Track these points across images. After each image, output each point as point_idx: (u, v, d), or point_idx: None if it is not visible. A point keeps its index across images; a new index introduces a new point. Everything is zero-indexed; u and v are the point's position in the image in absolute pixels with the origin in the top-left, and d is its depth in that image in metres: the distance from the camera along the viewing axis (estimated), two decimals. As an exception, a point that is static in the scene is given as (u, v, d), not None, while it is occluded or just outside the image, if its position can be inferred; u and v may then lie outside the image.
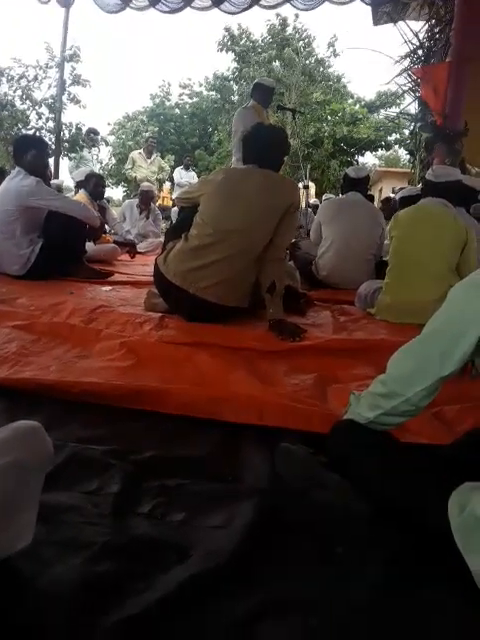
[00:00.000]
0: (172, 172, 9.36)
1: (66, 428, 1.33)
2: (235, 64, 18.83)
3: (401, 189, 4.66)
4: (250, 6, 5.84)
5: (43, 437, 0.83)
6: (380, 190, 15.96)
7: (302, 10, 5.84)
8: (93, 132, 8.12)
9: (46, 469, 0.84)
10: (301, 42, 18.84)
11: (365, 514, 1.01)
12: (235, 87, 19.46)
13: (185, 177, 8.84)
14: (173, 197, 8.49)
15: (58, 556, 0.85)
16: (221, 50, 18.38)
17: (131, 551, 0.89)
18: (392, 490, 1.00)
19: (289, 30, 18.72)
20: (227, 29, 18.19)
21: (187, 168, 9.19)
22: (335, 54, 18.64)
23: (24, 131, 8.20)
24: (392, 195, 5.10)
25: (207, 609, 0.78)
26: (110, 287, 3.19)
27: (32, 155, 3.17)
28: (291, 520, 1.01)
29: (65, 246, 3.18)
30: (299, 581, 0.86)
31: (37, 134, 7.93)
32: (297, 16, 18.25)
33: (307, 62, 18.71)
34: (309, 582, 0.85)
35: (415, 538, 0.94)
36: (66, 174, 8.05)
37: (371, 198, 5.75)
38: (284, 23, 18.48)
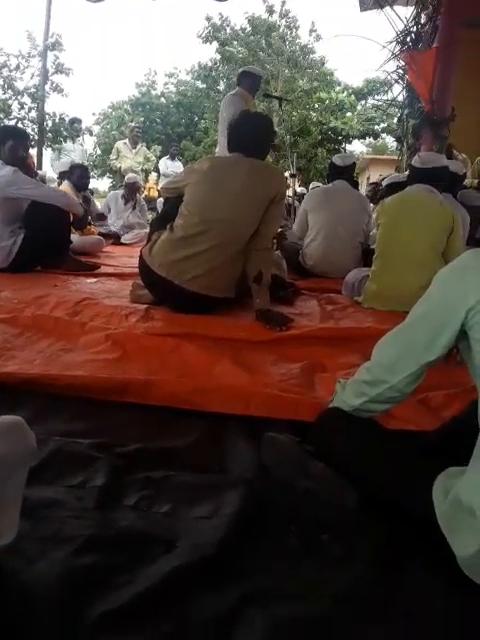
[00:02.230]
0: (158, 162, 9.27)
1: (50, 422, 1.31)
2: (219, 54, 18.67)
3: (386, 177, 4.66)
4: (236, -8, 5.75)
5: (25, 432, 0.81)
6: (368, 177, 15.95)
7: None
8: (76, 121, 8.00)
9: (29, 464, 0.82)
10: (287, 29, 18.71)
11: (351, 502, 1.01)
12: (220, 76, 19.32)
13: (171, 167, 8.74)
14: (159, 188, 8.41)
15: (42, 551, 0.84)
16: (205, 42, 18.19)
17: (116, 544, 0.88)
18: (377, 477, 1.00)
19: (275, 17, 18.58)
20: (208, 19, 18.01)
21: (173, 158, 9.08)
22: (318, 38, 18.56)
23: (6, 121, 8.06)
24: (378, 180, 5.09)
25: (193, 600, 0.77)
26: (95, 279, 3.16)
27: (10, 146, 3.11)
28: (277, 510, 1.00)
29: (49, 237, 3.13)
30: (285, 571, 0.86)
31: (19, 125, 7.81)
32: (284, 2, 18.14)
33: (292, 49, 18.59)
34: (295, 572, 0.86)
35: (401, 525, 0.94)
36: (49, 165, 7.93)
37: (356, 185, 5.74)
38: (271, 10, 18.33)
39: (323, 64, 19.15)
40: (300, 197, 6.51)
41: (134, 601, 0.75)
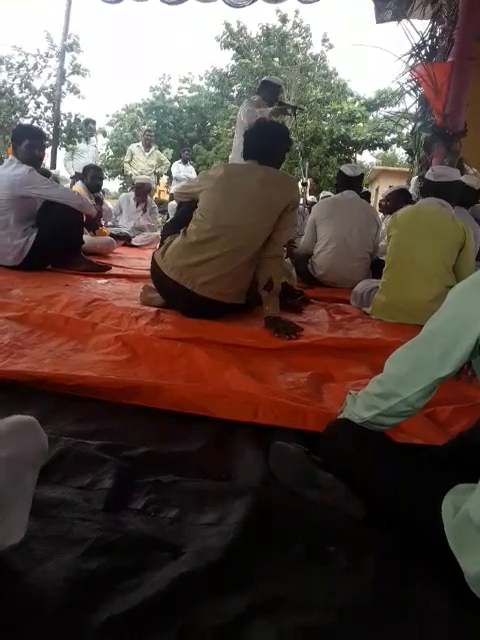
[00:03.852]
0: (170, 166, 9.32)
1: (59, 422, 1.32)
2: (234, 61, 18.80)
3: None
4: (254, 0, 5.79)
5: (38, 432, 0.82)
6: (377, 189, 15.96)
7: (306, 3, 5.80)
8: (91, 122, 8.08)
9: (40, 464, 0.83)
10: (299, 38, 18.81)
11: (358, 514, 1.01)
12: (235, 82, 19.42)
13: (183, 171, 8.80)
14: (170, 191, 8.45)
15: (50, 552, 0.84)
16: (223, 47, 18.34)
17: (123, 547, 0.88)
18: (385, 490, 1.00)
19: (288, 26, 18.66)
20: (227, 25, 18.14)
21: (185, 162, 9.14)
22: (330, 47, 18.67)
23: (22, 120, 8.13)
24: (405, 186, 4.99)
25: (199, 606, 0.77)
26: (106, 280, 3.17)
27: (26, 145, 3.14)
28: (284, 519, 1.00)
29: (61, 237, 3.16)
30: (291, 580, 0.86)
31: (35, 124, 7.87)
32: (297, 12, 18.25)
33: (305, 58, 18.70)
34: (301, 582, 0.85)
35: (408, 538, 0.94)
36: (62, 165, 7.99)
37: (367, 195, 5.72)
38: (284, 19, 18.44)
39: (337, 75, 19.23)
40: (311, 205, 6.50)
41: (141, 606, 0.75)
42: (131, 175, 7.81)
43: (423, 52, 5.65)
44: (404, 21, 5.71)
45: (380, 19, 6.52)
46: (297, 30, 18.90)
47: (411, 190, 4.84)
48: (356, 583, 0.85)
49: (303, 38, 18.95)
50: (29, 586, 0.78)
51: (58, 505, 0.96)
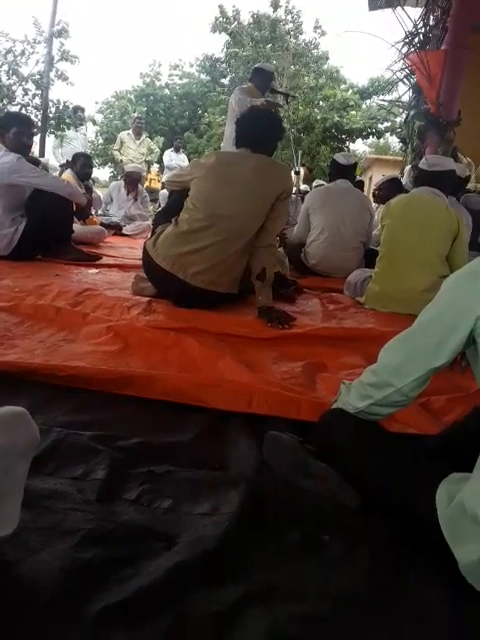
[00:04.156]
0: (162, 154, 9.24)
1: (51, 413, 1.31)
2: (227, 46, 18.62)
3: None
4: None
5: (29, 423, 0.81)
6: (370, 178, 15.93)
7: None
8: (79, 110, 7.97)
9: (32, 455, 0.82)
10: (291, 24, 18.66)
11: (352, 503, 1.01)
12: (226, 69, 19.25)
13: (175, 160, 8.72)
14: (162, 180, 8.39)
15: (43, 542, 0.84)
16: (214, 31, 18.15)
17: (117, 538, 0.88)
18: (380, 479, 1.00)
19: (280, 12, 18.49)
20: (220, 8, 17.96)
21: (177, 150, 9.06)
22: (322, 34, 18.55)
23: (10, 107, 8.01)
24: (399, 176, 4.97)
25: (194, 596, 0.77)
26: (97, 270, 3.15)
27: (14, 132, 3.09)
28: (278, 508, 1.00)
29: (51, 226, 3.12)
30: (285, 569, 0.86)
31: (23, 111, 7.76)
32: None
33: (297, 44, 18.57)
34: (296, 571, 0.85)
35: (402, 527, 0.94)
36: (51, 152, 7.90)
37: (361, 184, 5.70)
38: (276, 5, 18.26)
39: (327, 59, 19.11)
40: (304, 194, 6.47)
41: (136, 596, 0.75)
42: (122, 162, 7.73)
43: (416, 40, 5.61)
44: (398, 8, 5.67)
45: (373, 6, 6.47)
46: (289, 16, 18.73)
47: (404, 179, 4.83)
48: (350, 572, 0.86)
49: (294, 23, 18.79)
50: (22, 576, 0.77)
51: (51, 496, 0.96)
